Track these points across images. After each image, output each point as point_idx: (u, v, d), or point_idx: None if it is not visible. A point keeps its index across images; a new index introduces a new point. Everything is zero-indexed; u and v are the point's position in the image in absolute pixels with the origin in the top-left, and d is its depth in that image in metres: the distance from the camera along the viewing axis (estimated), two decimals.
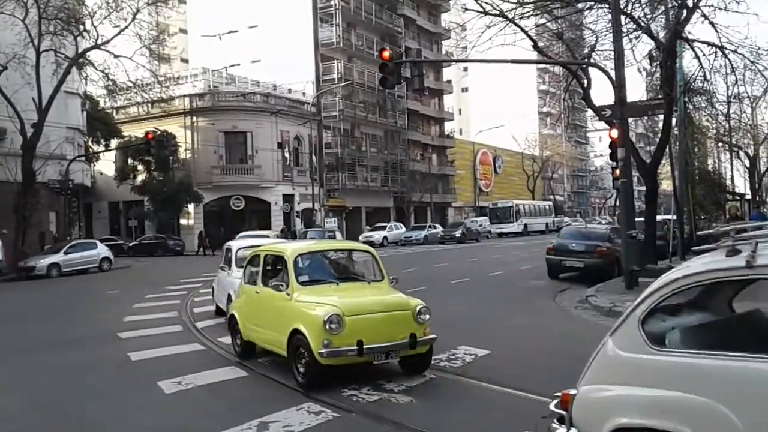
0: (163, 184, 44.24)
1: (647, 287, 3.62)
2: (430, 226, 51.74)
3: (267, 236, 21.11)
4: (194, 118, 47.51)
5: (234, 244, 13.51)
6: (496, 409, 6.60)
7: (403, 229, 50.98)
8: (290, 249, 8.43)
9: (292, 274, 7.88)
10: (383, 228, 48.90)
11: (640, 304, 3.58)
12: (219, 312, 13.02)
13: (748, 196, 38.69)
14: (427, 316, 7.55)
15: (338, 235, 36.21)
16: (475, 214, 67.87)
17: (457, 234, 47.35)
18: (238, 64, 53.91)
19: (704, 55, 18.44)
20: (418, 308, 7.52)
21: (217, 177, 46.48)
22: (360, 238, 43.86)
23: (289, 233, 39.65)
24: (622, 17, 16.75)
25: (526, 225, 58.91)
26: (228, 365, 8.85)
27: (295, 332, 7.35)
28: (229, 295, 11.30)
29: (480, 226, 54.43)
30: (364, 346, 7.05)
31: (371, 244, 28.80)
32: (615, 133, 15.79)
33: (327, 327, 7.00)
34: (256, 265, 9.03)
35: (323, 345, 6.98)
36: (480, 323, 12.25)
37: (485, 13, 18.30)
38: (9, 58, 27.56)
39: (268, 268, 8.86)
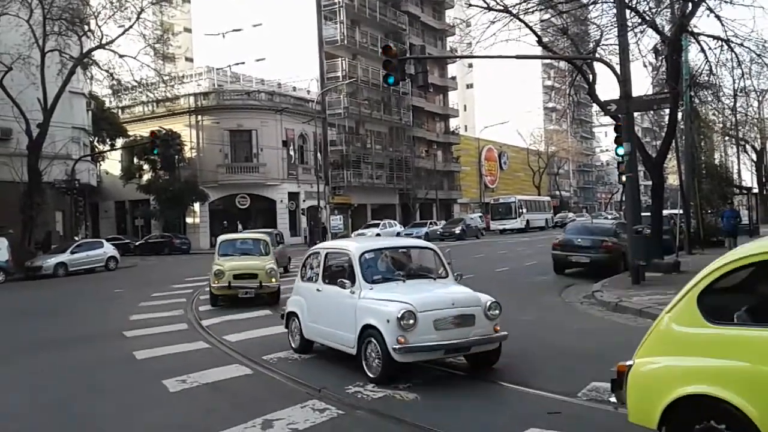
0: (169, 183, 44.39)
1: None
2: (431, 223, 51.18)
3: (266, 239, 17.38)
4: (199, 117, 47.62)
5: (351, 247, 8.36)
6: (502, 405, 6.56)
7: (398, 226, 49.94)
8: None
9: None
10: (376, 225, 48.17)
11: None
12: (307, 347, 8.99)
13: (755, 190, 38.47)
14: None
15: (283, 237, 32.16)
16: (481, 211, 67.68)
17: (457, 231, 46.25)
18: (243, 63, 53.98)
19: (710, 48, 18.36)
20: None
21: (223, 175, 46.58)
22: (352, 234, 43.76)
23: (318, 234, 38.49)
24: (627, 11, 16.65)
25: (528, 221, 58.29)
26: (232, 363, 8.82)
27: None
28: (366, 326, 7.41)
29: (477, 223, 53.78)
30: None
31: None
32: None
33: None
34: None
35: None
36: None
37: (489, 8, 18.22)
38: (14, 59, 27.62)
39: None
